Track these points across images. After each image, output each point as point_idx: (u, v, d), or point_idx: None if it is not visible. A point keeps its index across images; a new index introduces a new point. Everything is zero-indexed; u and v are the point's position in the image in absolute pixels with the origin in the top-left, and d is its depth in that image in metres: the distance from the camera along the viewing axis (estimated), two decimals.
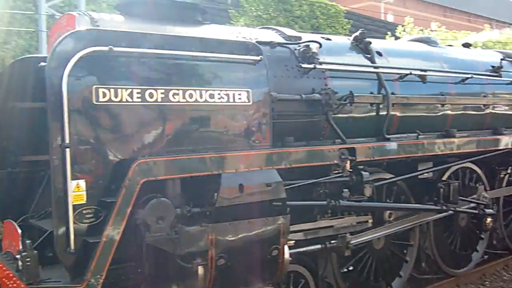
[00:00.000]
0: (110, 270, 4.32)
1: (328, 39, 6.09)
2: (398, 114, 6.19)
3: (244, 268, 4.51)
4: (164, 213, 4.01)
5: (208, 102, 4.38)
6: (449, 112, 6.78)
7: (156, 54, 4.13)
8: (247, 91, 4.61)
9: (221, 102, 4.45)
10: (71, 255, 3.76)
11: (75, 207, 3.77)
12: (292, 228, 5.06)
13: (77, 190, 3.77)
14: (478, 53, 8.64)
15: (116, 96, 3.92)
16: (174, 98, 4.20)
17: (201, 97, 4.33)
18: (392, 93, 6.06)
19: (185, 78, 4.29)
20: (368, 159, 5.45)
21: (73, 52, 3.75)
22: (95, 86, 3.83)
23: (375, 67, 5.97)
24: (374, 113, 5.98)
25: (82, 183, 3.80)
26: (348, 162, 5.26)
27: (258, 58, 4.69)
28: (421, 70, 6.38)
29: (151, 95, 4.08)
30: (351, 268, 6.06)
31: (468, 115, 7.01)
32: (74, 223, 3.76)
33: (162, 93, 4.13)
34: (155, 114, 4.11)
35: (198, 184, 4.34)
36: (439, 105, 6.62)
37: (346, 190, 5.33)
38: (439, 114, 6.68)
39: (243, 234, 4.42)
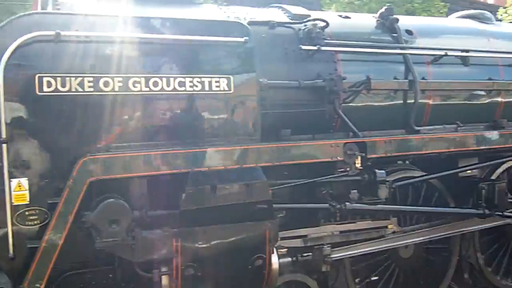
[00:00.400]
0: (78, 275, 4.03)
1: (347, 17, 5.33)
2: (430, 102, 5.30)
3: (219, 280, 3.98)
4: (118, 216, 3.57)
5: (178, 91, 3.87)
6: (499, 99, 5.74)
7: (113, 38, 3.68)
8: (228, 78, 4.05)
9: (194, 91, 3.92)
10: (11, 260, 3.44)
11: (16, 207, 3.44)
12: (288, 234, 4.46)
13: (18, 190, 3.43)
14: None
15: (63, 86, 3.52)
16: (135, 87, 3.73)
17: (168, 85, 3.83)
18: (423, 78, 5.18)
19: (149, 64, 3.81)
20: (383, 155, 4.66)
21: (11, 39, 3.40)
22: (38, 75, 3.46)
23: (400, 48, 5.13)
24: (399, 102, 5.14)
25: (24, 181, 3.45)
26: (359, 158, 4.54)
27: (241, 40, 4.10)
28: (462, 51, 5.42)
29: (106, 84, 3.64)
30: (374, 278, 5.32)
31: None
32: (14, 225, 3.43)
33: (120, 81, 3.68)
34: (112, 105, 3.67)
35: (166, 184, 3.87)
36: (486, 92, 5.61)
37: (355, 191, 4.60)
38: (485, 102, 5.67)
39: (217, 241, 3.88)
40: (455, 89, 5.44)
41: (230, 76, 4.05)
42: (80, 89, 3.56)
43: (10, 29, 3.44)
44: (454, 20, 6.21)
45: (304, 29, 4.71)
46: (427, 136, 4.99)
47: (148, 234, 3.69)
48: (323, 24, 4.77)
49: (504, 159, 5.71)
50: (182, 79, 3.88)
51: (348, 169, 4.48)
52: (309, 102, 4.57)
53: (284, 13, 4.99)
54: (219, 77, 4.01)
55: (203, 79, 3.95)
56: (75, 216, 3.50)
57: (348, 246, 4.80)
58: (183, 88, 3.89)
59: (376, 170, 4.65)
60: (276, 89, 4.39)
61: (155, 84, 3.78)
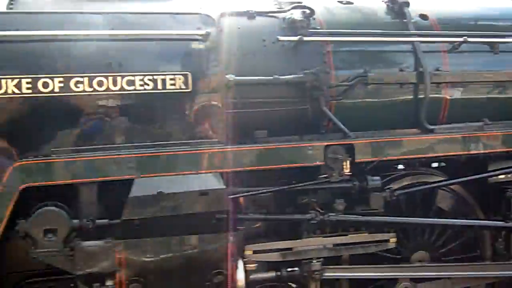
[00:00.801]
0: (39, 283, 3.92)
1: (349, 2, 4.74)
2: (448, 97, 4.57)
3: None
4: (54, 224, 3.36)
5: (126, 90, 3.58)
6: None
7: (52, 36, 3.46)
8: (185, 75, 3.69)
9: (144, 90, 3.61)
10: None
11: None
12: (264, 247, 4.02)
13: None
14: None
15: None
16: (77, 87, 3.49)
17: (115, 84, 3.55)
18: (437, 69, 4.47)
19: (94, 62, 3.55)
20: (374, 159, 4.06)
21: None
22: None
23: (406, 35, 4.46)
24: (408, 97, 4.47)
25: None
26: (347, 163, 3.99)
27: (202, 32, 3.73)
28: (487, 36, 4.62)
29: (45, 85, 3.43)
30: None
31: None
32: None
33: (60, 81, 3.45)
34: (52, 107, 3.46)
35: (113, 191, 3.59)
36: None
37: (341, 200, 4.04)
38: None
39: (167, 254, 3.55)
40: (479, 81, 4.64)
41: (188, 73, 3.69)
42: (17, 91, 3.38)
43: None
44: (486, 1, 5.34)
45: (288, 18, 4.22)
46: (429, 137, 4.29)
47: (88, 245, 3.43)
48: (311, 12, 4.25)
49: None
50: (131, 78, 3.58)
51: (333, 174, 3.94)
52: (289, 100, 4.07)
53: (273, 1, 4.52)
54: (175, 74, 3.66)
55: (155, 77, 3.62)
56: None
57: (349, 267, 4.28)
58: (132, 87, 3.59)
59: (368, 176, 4.06)
60: (250, 86, 3.96)
61: (100, 83, 3.52)
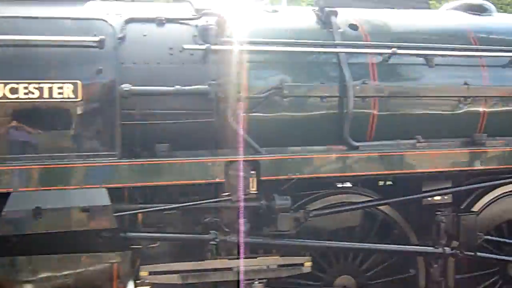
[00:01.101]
0: None
1: (275, 11, 4.51)
2: (375, 112, 4.31)
3: None
4: None
5: (9, 98, 3.38)
6: (479, 109, 4.57)
7: None
8: (74, 84, 3.48)
9: (30, 98, 3.41)
10: None
11: None
12: (162, 268, 3.78)
13: None
14: None
15: None
16: None
17: None
18: (364, 83, 4.22)
19: None
20: (280, 177, 3.81)
21: None
22: None
23: (328, 45, 4.21)
24: (331, 111, 4.22)
25: None
26: (254, 181, 3.74)
27: (95, 39, 3.52)
28: (422, 48, 4.37)
29: None
30: None
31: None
32: None
33: None
34: None
35: None
36: (459, 100, 4.48)
37: (244, 220, 3.79)
38: (459, 112, 4.53)
39: (45, 274, 3.32)
40: (411, 96, 4.39)
41: (78, 82, 3.49)
42: None
43: None
44: (425, 13, 5.07)
45: (201, 26, 4.00)
46: (340, 155, 4.03)
47: None
48: (225, 20, 4.04)
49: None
50: (15, 85, 3.38)
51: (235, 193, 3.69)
52: (194, 112, 3.84)
53: (193, 8, 4.29)
54: (63, 83, 3.46)
55: (41, 85, 3.42)
56: None
57: None
58: (15, 96, 3.39)
59: (276, 196, 3.82)
60: (151, 97, 3.74)
61: None
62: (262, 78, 4.04)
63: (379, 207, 4.43)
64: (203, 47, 3.83)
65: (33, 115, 3.43)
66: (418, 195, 4.41)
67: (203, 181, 3.65)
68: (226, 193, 3.71)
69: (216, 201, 3.72)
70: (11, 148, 3.39)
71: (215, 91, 3.76)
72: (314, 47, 4.16)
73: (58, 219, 3.31)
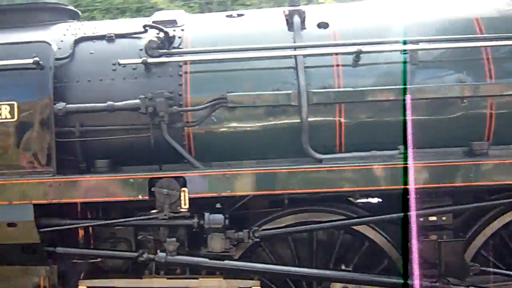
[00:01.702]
0: None
1: (240, 15, 4.24)
2: (343, 120, 3.78)
3: None
4: None
5: None
6: (485, 110, 3.74)
7: None
8: (11, 105, 3.69)
9: None
10: None
11: None
12: (100, 283, 3.79)
13: None
14: None
15: None
16: None
17: None
18: (324, 88, 3.75)
19: None
20: (209, 194, 3.54)
21: None
22: None
23: (281, 48, 3.82)
24: (288, 121, 3.82)
25: None
26: (185, 198, 3.57)
27: (29, 61, 3.69)
28: (400, 43, 3.72)
29: None
30: None
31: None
32: None
33: None
34: None
35: None
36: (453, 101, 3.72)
37: (172, 239, 3.61)
38: (454, 116, 3.76)
39: None
40: (386, 100, 3.75)
41: (14, 103, 3.69)
42: None
43: None
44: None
45: (147, 40, 3.93)
46: (276, 170, 3.59)
47: None
48: (173, 31, 3.92)
49: None
50: None
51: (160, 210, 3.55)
52: (130, 127, 3.78)
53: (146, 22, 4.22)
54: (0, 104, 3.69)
55: None
56: None
57: None
58: None
59: (207, 214, 3.57)
60: (89, 114, 3.78)
61: None
62: (205, 89, 3.81)
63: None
64: (139, 60, 3.76)
65: None
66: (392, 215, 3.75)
67: (126, 198, 3.57)
68: (155, 211, 3.58)
69: (143, 219, 3.61)
70: None
71: (146, 105, 3.65)
72: (266, 51, 3.81)
73: None
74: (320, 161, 3.74)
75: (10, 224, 3.53)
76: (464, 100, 3.67)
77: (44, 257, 3.59)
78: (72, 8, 4.69)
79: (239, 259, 3.75)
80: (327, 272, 3.77)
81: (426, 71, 3.79)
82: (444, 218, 3.83)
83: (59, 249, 3.71)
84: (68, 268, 3.81)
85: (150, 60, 3.76)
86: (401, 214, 3.70)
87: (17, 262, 3.58)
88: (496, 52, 3.74)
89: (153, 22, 4.09)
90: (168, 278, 3.74)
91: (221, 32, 4.05)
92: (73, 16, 4.63)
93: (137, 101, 3.69)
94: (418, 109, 3.72)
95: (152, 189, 3.53)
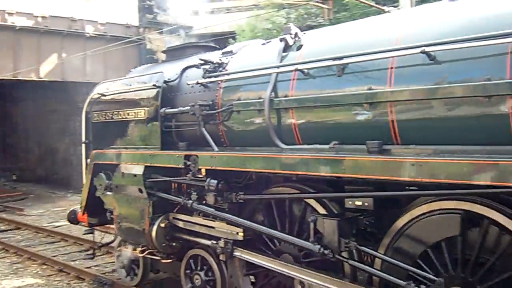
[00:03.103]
0: None
1: (264, 44, 5.90)
2: (294, 121, 5.05)
3: None
4: None
5: (125, 118, 6.92)
6: (387, 112, 4.32)
7: None
8: (144, 110, 6.63)
9: (130, 118, 6.82)
10: None
11: None
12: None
13: None
14: None
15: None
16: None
17: (122, 115, 6.97)
18: (285, 96, 5.14)
19: (122, 104, 7.06)
20: (209, 167, 5.50)
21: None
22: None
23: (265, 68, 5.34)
24: (262, 122, 5.31)
25: None
26: (202, 167, 5.73)
27: (153, 85, 6.51)
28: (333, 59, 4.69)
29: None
30: None
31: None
32: None
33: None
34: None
35: None
36: (364, 106, 4.46)
37: (194, 193, 5.78)
38: (367, 118, 4.47)
39: None
40: (320, 105, 4.79)
41: (145, 108, 6.61)
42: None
43: None
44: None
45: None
46: (242, 154, 5.21)
47: None
48: (218, 61, 6.01)
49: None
50: (128, 111, 6.89)
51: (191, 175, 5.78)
52: (191, 124, 6.06)
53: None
54: (141, 109, 6.67)
55: (134, 111, 6.76)
56: None
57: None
58: (125, 117, 6.88)
59: (208, 179, 5.58)
60: (172, 115, 6.30)
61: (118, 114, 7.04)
62: (232, 98, 5.68)
63: None
64: (194, 81, 6.03)
65: (132, 126, 6.80)
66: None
67: (173, 166, 5.95)
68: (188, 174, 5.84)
69: (179, 179, 5.94)
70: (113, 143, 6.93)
71: (192, 110, 5.89)
72: (259, 71, 5.42)
73: None
74: (281, 150, 5.12)
75: (135, 175, 6.50)
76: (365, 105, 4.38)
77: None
78: (211, 44, 7.26)
79: (228, 211, 5.58)
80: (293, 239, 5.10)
81: (349, 82, 4.59)
82: (366, 203, 4.57)
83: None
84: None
85: (201, 80, 5.97)
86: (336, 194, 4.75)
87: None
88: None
89: (222, 52, 6.26)
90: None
91: (249, 59, 5.82)
92: (210, 49, 7.18)
93: (188, 107, 5.99)
94: (340, 113, 4.64)
95: (186, 162, 5.78)
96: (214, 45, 7.38)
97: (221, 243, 5.73)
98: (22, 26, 18.97)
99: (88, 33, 20.42)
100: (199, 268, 6.37)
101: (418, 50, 3.95)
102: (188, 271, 6.52)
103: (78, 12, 20.41)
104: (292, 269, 5.09)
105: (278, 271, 5.19)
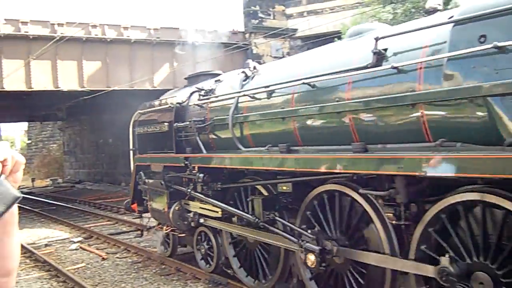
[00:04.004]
0: None
1: (239, 73, 8.02)
2: (248, 131, 7.14)
3: None
4: None
5: (155, 130, 9.38)
6: (291, 126, 6.28)
7: None
8: (165, 124, 9.04)
9: (157, 130, 9.27)
10: None
11: None
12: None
13: None
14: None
15: None
16: None
17: (153, 128, 9.45)
18: (241, 114, 7.26)
19: (153, 120, 9.55)
20: (200, 165, 7.75)
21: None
22: None
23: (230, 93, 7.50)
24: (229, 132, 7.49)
25: None
26: (194, 165, 8.02)
27: (169, 107, 8.93)
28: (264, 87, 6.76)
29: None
30: None
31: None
32: None
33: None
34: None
35: None
36: (282, 119, 6.43)
37: (191, 184, 8.05)
38: (283, 129, 6.46)
39: None
40: (260, 119, 6.84)
41: (168, 122, 9.02)
42: None
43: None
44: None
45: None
46: (206, 155, 7.36)
47: None
48: (209, 87, 8.26)
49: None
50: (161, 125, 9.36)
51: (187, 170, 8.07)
52: (192, 134, 8.35)
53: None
54: (165, 123, 9.10)
55: (161, 125, 9.21)
56: None
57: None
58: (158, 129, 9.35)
59: (198, 173, 7.82)
60: (181, 127, 8.63)
61: None
62: (216, 115, 7.91)
63: None
64: (192, 103, 8.33)
65: (159, 134, 9.25)
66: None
67: (177, 165, 8.28)
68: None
69: (182, 174, 8.24)
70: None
71: (190, 125, 8.19)
72: (227, 95, 7.59)
73: None
74: (241, 151, 7.24)
75: (158, 173, 8.92)
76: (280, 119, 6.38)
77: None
78: (217, 72, 9.52)
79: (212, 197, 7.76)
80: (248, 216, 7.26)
81: (274, 104, 6.60)
82: (286, 187, 6.55)
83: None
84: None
85: (196, 102, 8.25)
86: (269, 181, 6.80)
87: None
88: None
89: (215, 80, 8.50)
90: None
91: (227, 87, 8.00)
92: (215, 76, 9.44)
93: (188, 122, 8.29)
94: (270, 125, 6.68)
95: (185, 162, 8.09)
96: (219, 72, 9.63)
97: (209, 220, 7.96)
98: (136, 39, 19.93)
99: (197, 41, 20.26)
100: (203, 240, 8.64)
101: (301, 82, 5.91)
102: (198, 245, 8.83)
103: (186, 22, 21.54)
104: (242, 230, 7.22)
105: (234, 233, 7.38)
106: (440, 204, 4.59)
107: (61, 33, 16.85)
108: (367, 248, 5.46)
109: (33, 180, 33.43)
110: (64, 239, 13.43)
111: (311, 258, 5.67)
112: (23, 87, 17.81)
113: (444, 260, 4.39)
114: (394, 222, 5.03)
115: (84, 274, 9.71)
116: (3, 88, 17.33)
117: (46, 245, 12.63)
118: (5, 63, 17.24)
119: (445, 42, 4.43)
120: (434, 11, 5.38)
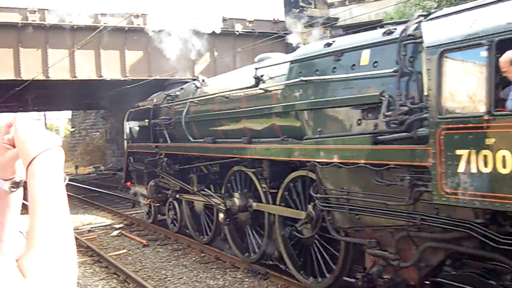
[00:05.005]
0: None
1: (193, 84, 10.73)
2: (194, 128, 9.86)
3: None
4: None
5: (140, 125, 12.21)
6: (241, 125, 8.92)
7: None
8: (146, 120, 11.83)
9: (142, 124, 12.09)
10: None
11: None
12: None
13: None
14: None
15: None
16: None
17: (139, 123, 12.28)
18: (190, 114, 9.99)
19: (140, 116, 12.39)
20: (165, 152, 10.52)
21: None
22: None
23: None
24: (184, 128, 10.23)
25: None
26: (162, 152, 10.80)
27: (147, 107, 11.74)
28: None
29: None
30: None
31: None
32: None
33: None
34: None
35: None
36: (233, 119, 9.05)
37: (160, 166, 10.86)
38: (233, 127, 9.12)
39: None
40: (201, 119, 9.54)
41: (147, 120, 11.85)
42: None
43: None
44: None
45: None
46: (168, 144, 10.13)
47: None
48: (176, 93, 10.99)
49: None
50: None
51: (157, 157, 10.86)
52: (163, 128, 11.12)
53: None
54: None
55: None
56: None
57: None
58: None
59: (163, 158, 10.60)
60: (156, 123, 11.42)
61: None
62: (176, 116, 10.66)
63: None
64: (167, 104, 11.10)
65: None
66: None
67: (151, 152, 11.08)
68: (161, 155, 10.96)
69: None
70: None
71: (163, 122, 10.96)
72: (183, 101, 10.32)
73: None
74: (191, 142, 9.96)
75: (140, 157, 11.75)
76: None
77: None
78: (188, 80, 12.25)
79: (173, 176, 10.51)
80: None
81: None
82: (216, 168, 9.27)
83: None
84: None
85: (165, 104, 11.02)
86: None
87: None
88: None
89: (180, 88, 11.23)
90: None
91: (185, 94, 10.72)
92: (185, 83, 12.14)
93: (159, 120, 11.06)
94: (210, 123, 9.40)
95: (156, 149, 10.88)
96: (193, 78, 12.33)
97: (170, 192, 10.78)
98: None
99: (237, 31, 20.16)
100: (172, 208, 11.47)
101: (220, 94, 8.60)
102: (168, 212, 11.67)
103: (228, 11, 19.77)
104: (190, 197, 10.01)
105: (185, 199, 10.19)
106: (288, 178, 7.24)
107: (104, 23, 16.74)
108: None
109: (76, 167, 34.18)
110: (106, 225, 13.55)
111: (221, 215, 8.40)
112: (67, 76, 17.94)
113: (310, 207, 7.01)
114: (265, 189, 7.70)
115: (126, 260, 9.78)
116: (49, 77, 17.62)
117: (89, 231, 12.80)
118: (50, 52, 17.41)
119: (284, 74, 7.04)
120: None
